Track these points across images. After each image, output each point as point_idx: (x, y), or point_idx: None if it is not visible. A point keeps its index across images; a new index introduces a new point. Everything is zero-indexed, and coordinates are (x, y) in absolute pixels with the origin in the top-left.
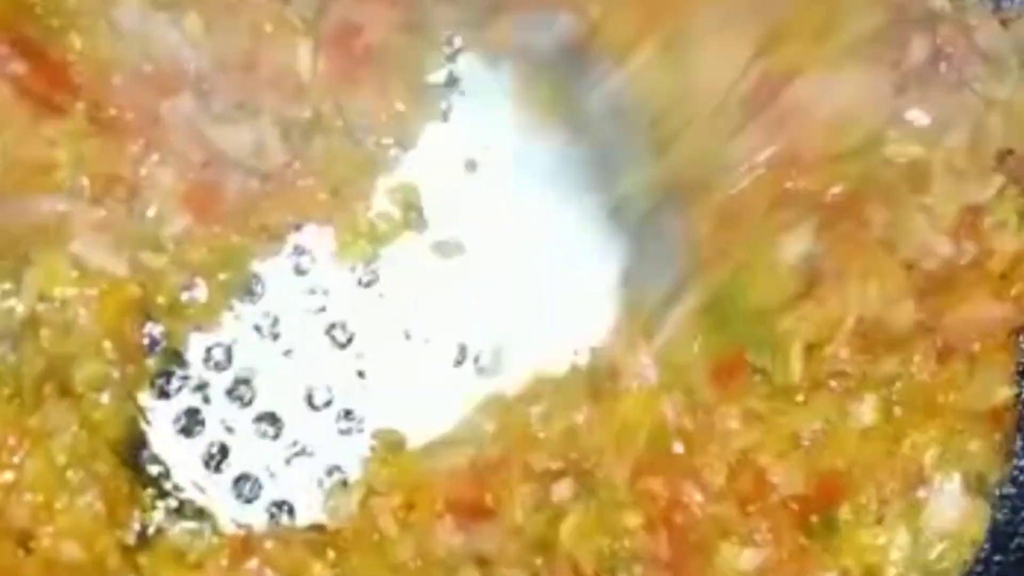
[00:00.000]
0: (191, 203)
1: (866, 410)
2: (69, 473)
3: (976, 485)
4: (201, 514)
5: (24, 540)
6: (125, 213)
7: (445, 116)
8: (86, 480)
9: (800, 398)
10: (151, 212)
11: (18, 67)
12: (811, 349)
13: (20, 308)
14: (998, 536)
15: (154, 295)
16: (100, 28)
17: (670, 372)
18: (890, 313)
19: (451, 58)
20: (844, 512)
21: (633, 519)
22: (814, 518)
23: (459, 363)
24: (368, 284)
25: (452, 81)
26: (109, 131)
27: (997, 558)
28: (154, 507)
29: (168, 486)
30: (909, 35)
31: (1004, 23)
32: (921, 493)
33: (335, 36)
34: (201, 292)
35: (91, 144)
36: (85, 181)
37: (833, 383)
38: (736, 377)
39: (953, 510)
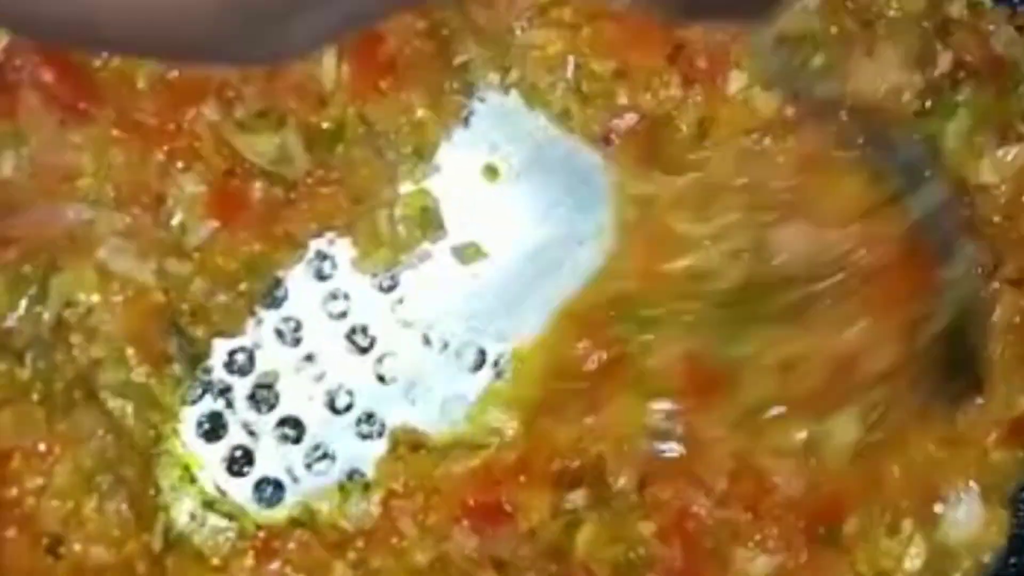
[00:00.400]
0: (215, 210)
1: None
2: (98, 478)
3: (996, 495)
4: (228, 517)
5: (53, 546)
6: (150, 221)
7: (466, 122)
8: (114, 485)
9: None
10: (176, 220)
11: (46, 74)
12: None
13: (47, 315)
14: (1013, 539)
15: (179, 302)
16: None
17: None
18: None
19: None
20: (851, 525)
21: (647, 527)
22: (821, 529)
23: (478, 368)
24: (388, 289)
25: (470, 87)
26: (134, 138)
27: (1013, 560)
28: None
29: (193, 491)
30: (934, 46)
31: (1020, 29)
32: (938, 506)
33: (358, 44)
34: (225, 298)
35: (116, 151)
36: (110, 189)
37: None
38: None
39: (972, 520)
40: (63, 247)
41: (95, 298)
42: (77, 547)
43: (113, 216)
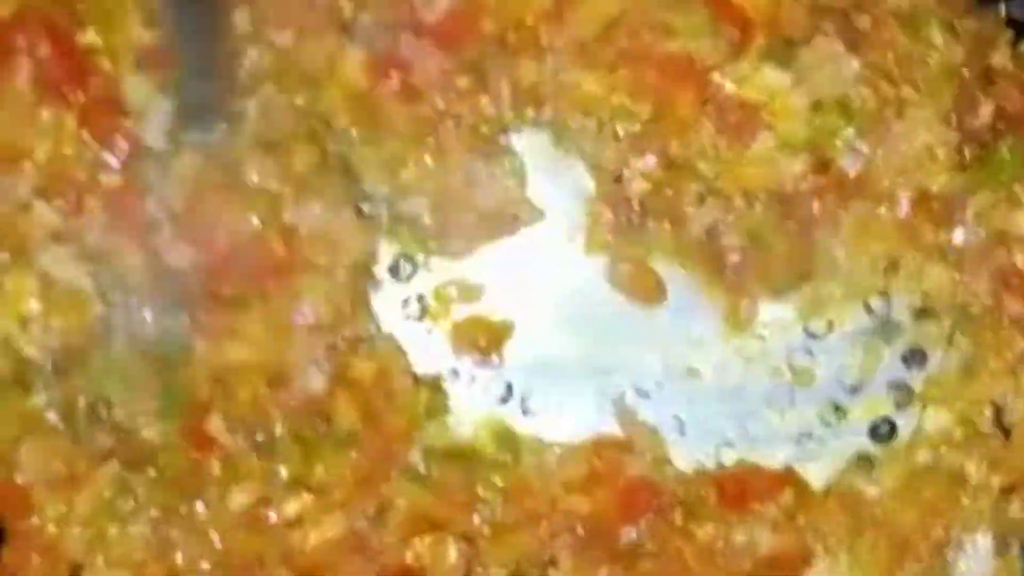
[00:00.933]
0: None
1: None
2: (119, 502)
3: (1009, 545)
4: None
5: (75, 573)
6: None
7: None
8: (136, 509)
9: None
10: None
11: (44, 48)
12: None
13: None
14: None
15: None
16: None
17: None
18: None
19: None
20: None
21: None
22: None
23: (504, 401)
24: (418, 318)
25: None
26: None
27: None
28: None
29: None
30: (976, 95)
31: None
32: (950, 554)
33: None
34: None
35: (71, 143)
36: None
37: None
38: None
39: (984, 568)
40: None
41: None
42: (99, 573)
43: (48, 211)
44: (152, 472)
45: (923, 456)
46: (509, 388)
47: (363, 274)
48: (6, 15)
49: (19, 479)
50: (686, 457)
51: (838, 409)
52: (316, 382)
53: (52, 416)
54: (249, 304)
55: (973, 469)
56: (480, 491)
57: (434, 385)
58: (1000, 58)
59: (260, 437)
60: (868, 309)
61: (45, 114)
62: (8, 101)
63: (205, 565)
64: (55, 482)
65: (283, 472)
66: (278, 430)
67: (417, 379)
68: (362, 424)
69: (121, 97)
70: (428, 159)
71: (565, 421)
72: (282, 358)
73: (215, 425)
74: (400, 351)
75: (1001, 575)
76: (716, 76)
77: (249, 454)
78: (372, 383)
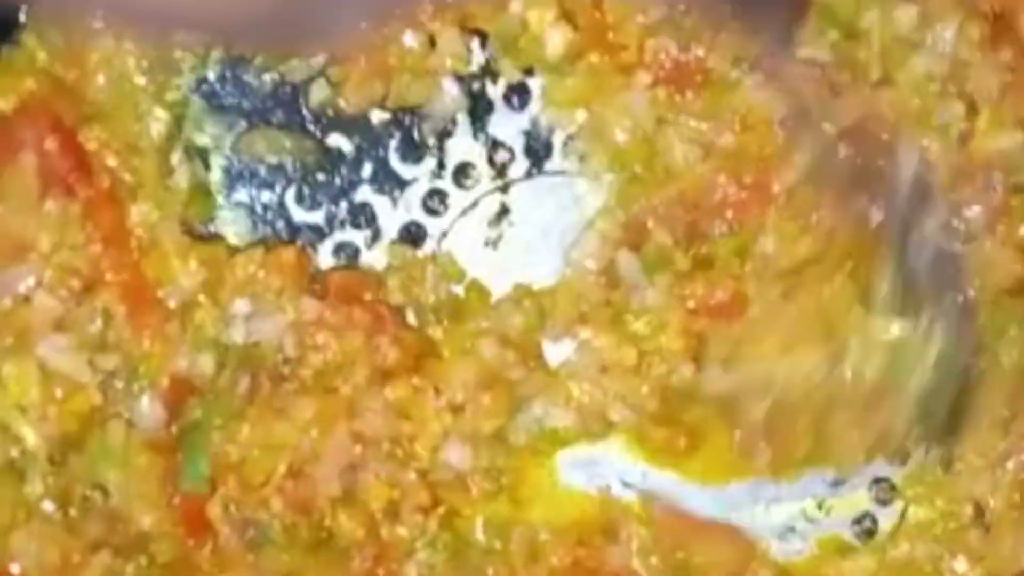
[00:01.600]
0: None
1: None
2: None
3: None
4: None
5: None
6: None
7: (495, 245)
8: None
9: None
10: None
11: (49, 143)
12: None
13: None
14: None
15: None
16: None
17: None
18: None
19: (503, 189)
20: None
21: None
22: None
23: None
24: None
25: (504, 211)
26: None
27: None
28: None
29: None
30: None
31: None
32: None
33: None
34: None
35: (75, 236)
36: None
37: None
38: None
39: None
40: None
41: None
42: None
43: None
44: (143, 560)
45: (903, 549)
46: None
47: None
48: (9, 109)
49: (14, 568)
50: None
51: (821, 505)
52: (333, 487)
53: (48, 505)
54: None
55: (953, 564)
56: None
57: None
58: None
59: (253, 532)
60: None
61: (50, 207)
62: (14, 194)
63: None
64: (49, 572)
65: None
66: (276, 526)
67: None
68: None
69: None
70: None
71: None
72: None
73: (215, 511)
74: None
75: None
76: None
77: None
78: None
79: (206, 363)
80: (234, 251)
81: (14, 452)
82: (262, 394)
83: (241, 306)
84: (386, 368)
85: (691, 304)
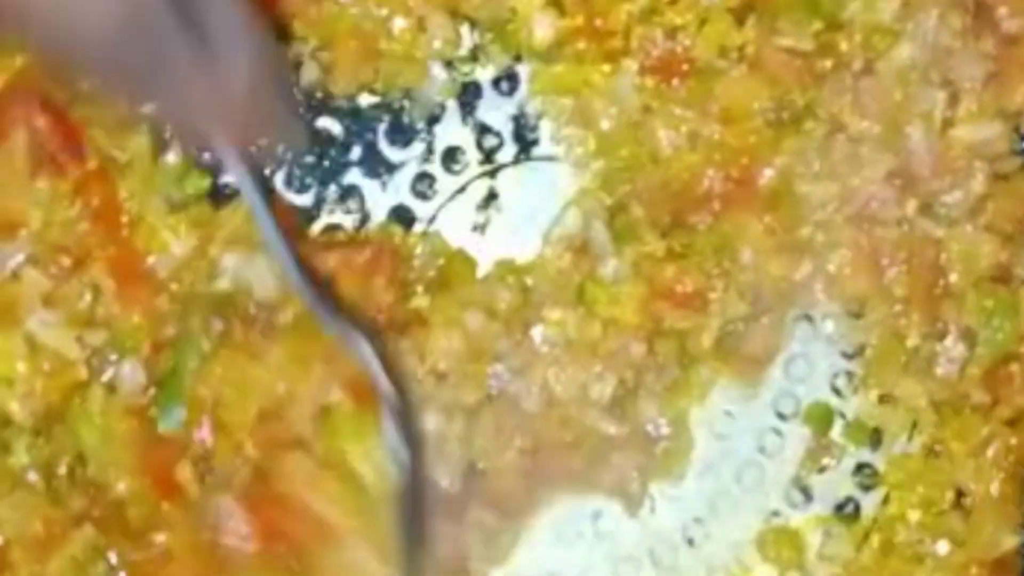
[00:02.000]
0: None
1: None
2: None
3: None
4: None
5: None
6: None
7: (482, 230)
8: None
9: None
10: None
11: (39, 119)
12: None
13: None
14: None
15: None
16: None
17: None
18: None
19: (492, 175)
20: None
21: None
22: None
23: None
24: None
25: (492, 196)
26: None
27: None
28: None
29: None
30: None
31: None
32: None
33: None
34: None
35: (65, 212)
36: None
37: None
38: None
39: None
40: None
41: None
42: None
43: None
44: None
45: (884, 534)
46: None
47: None
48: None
49: None
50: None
51: (804, 490)
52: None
53: (32, 475)
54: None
55: (934, 548)
56: None
57: None
58: None
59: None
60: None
61: (41, 184)
62: (4, 172)
63: None
64: (31, 543)
65: None
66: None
67: None
68: None
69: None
70: None
71: None
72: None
73: (184, 474)
74: None
75: None
76: None
77: None
78: None
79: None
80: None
81: None
82: (235, 337)
83: (229, 259)
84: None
85: (656, 286)
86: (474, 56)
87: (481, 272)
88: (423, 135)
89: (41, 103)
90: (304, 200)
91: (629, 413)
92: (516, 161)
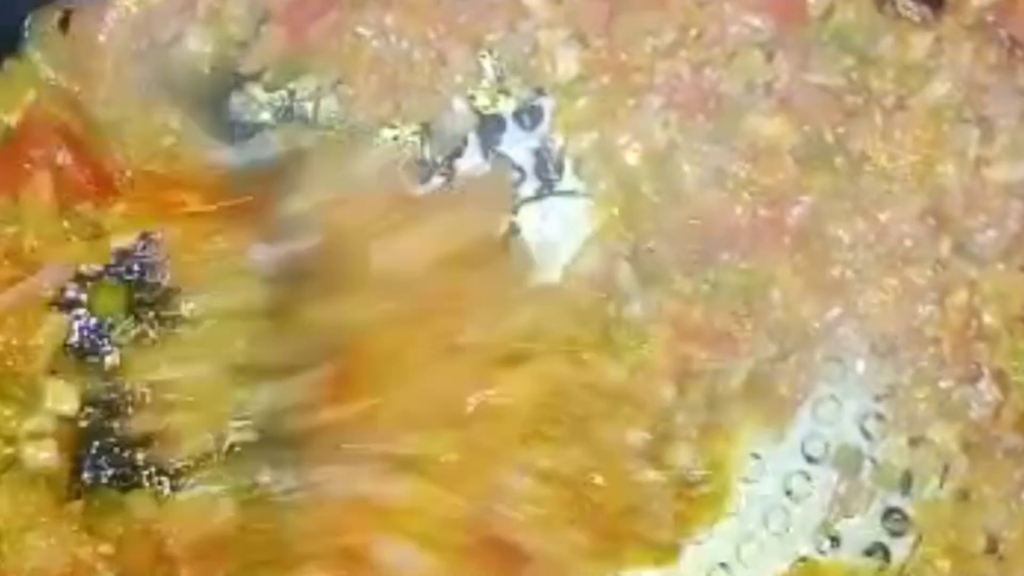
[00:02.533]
0: None
1: None
2: None
3: None
4: None
5: None
6: None
7: None
8: None
9: None
10: None
11: (62, 156)
12: None
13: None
14: None
15: None
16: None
17: None
18: None
19: (513, 209)
20: None
21: None
22: None
23: None
24: None
25: (514, 231)
26: None
27: None
28: None
29: None
30: None
31: None
32: None
33: None
34: None
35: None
36: None
37: None
38: None
39: None
40: None
41: None
42: None
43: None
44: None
45: None
46: None
47: None
48: (15, 123)
49: None
50: None
51: (833, 536)
52: None
53: None
54: None
55: None
56: None
57: None
58: None
59: None
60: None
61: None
62: (32, 214)
63: None
64: None
65: None
66: None
67: None
68: None
69: None
70: None
71: None
72: None
73: None
74: None
75: None
76: None
77: None
78: None
79: None
80: None
81: None
82: None
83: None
84: None
85: (683, 327)
86: (496, 90)
87: None
88: (443, 169)
89: (61, 136)
90: None
91: (666, 459)
92: (538, 196)
